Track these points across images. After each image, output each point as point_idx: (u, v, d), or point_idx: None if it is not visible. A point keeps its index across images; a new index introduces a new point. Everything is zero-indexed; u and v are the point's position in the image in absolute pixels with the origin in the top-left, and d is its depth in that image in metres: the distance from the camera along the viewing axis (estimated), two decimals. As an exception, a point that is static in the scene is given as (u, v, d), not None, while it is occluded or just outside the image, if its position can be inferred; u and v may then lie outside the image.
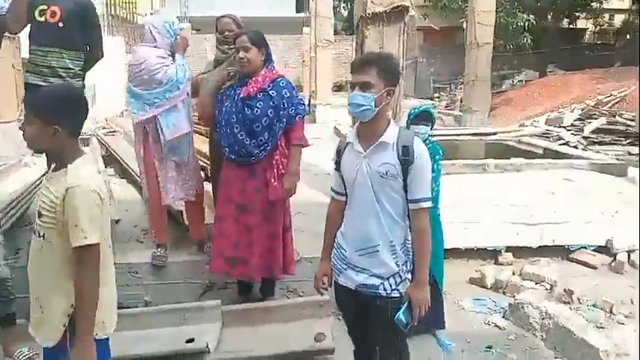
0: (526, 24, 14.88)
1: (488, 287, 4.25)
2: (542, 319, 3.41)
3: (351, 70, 2.23)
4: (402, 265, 2.21)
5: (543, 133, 11.74)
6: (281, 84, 3.17)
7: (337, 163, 2.32)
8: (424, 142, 2.53)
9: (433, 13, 21.00)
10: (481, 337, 3.55)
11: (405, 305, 2.14)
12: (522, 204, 4.70)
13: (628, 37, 20.50)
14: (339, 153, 2.31)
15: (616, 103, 13.06)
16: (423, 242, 2.18)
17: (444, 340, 3.39)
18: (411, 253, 2.23)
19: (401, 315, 2.11)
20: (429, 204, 2.17)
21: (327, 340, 2.97)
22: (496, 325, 3.68)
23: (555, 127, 12.08)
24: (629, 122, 11.37)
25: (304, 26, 16.66)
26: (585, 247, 4.72)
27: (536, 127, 11.80)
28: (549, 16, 20.08)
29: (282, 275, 3.41)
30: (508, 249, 4.69)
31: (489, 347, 3.40)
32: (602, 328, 3.57)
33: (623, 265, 4.45)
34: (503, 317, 3.75)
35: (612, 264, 4.53)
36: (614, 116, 11.62)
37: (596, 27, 24.18)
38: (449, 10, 18.39)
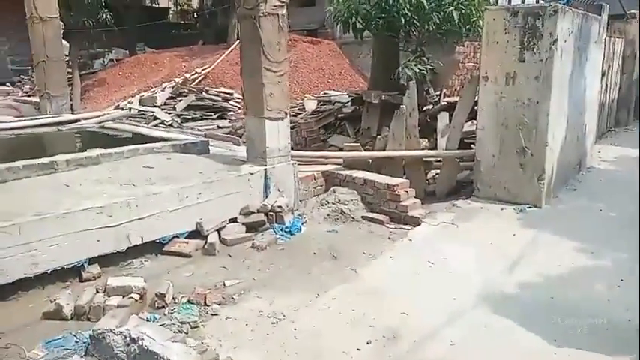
0: (103, -1, 14.05)
1: (69, 318, 3.40)
2: (127, 344, 2.83)
3: None
4: None
5: (139, 114, 11.36)
6: None
7: None
8: None
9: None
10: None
11: None
12: (99, 205, 3.98)
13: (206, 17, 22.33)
14: None
15: (201, 79, 13.89)
16: None
17: None
18: None
19: None
20: None
21: None
22: (77, 369, 2.91)
23: (150, 106, 11.88)
24: (214, 97, 12.20)
25: None
26: (177, 236, 4.45)
27: (130, 108, 11.28)
28: (129, -8, 19.69)
29: None
30: (92, 261, 3.94)
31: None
32: (196, 327, 3.29)
33: (214, 246, 4.38)
34: (85, 355, 2.99)
35: (205, 247, 4.41)
36: (201, 92, 12.27)
37: (177, 7, 25.37)
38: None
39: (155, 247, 4.33)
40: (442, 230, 4.98)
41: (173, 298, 3.62)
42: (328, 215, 5.26)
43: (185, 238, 4.47)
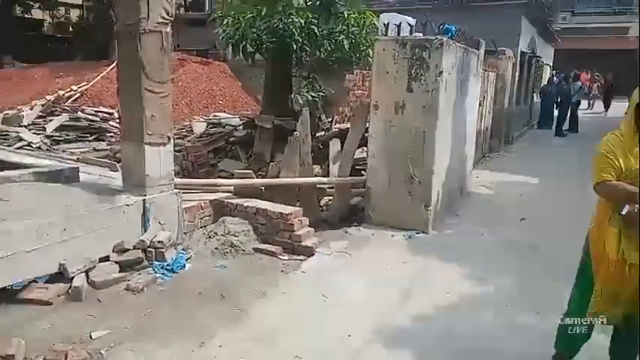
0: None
1: None
2: None
3: None
4: None
5: (1, 135, 10.07)
6: None
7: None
8: None
9: None
10: None
11: None
12: None
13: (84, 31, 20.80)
14: None
15: (78, 97, 12.74)
16: None
17: None
18: None
19: None
20: None
21: None
22: None
23: (15, 126, 10.60)
24: (91, 117, 11.20)
25: None
26: (36, 281, 3.80)
27: (-11, 127, 9.95)
28: (-2, 1, 17.79)
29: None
30: None
31: None
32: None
33: (80, 291, 3.79)
34: None
35: (69, 292, 3.80)
36: (77, 111, 11.22)
37: (53, 19, 23.41)
38: None
39: (6, 296, 3.65)
40: (336, 260, 4.84)
41: (24, 359, 3.02)
42: (217, 248, 4.88)
43: (45, 282, 3.83)
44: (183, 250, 4.71)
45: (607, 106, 20.81)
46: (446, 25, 5.69)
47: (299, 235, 5.02)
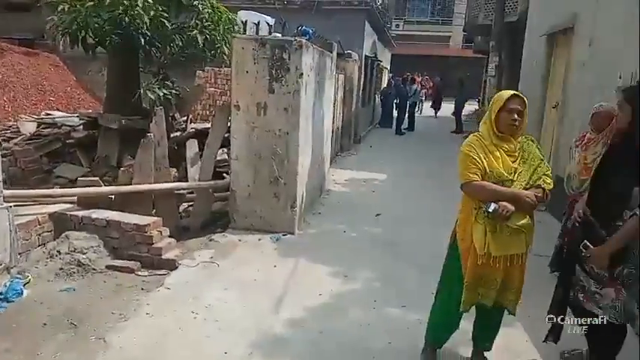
0: None
1: None
2: None
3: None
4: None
5: None
6: None
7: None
8: None
9: None
10: None
11: None
12: None
13: None
14: None
15: None
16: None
17: None
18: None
19: None
20: None
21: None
22: None
23: None
24: None
25: None
26: None
27: None
28: None
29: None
30: None
31: None
32: None
33: None
34: None
35: None
36: None
37: None
38: None
39: None
40: (202, 271, 4.56)
41: None
42: (61, 269, 4.25)
43: None
44: (18, 274, 4.02)
45: (437, 109, 22.12)
46: (304, 27, 5.73)
47: (159, 248, 4.63)
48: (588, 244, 2.66)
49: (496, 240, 2.71)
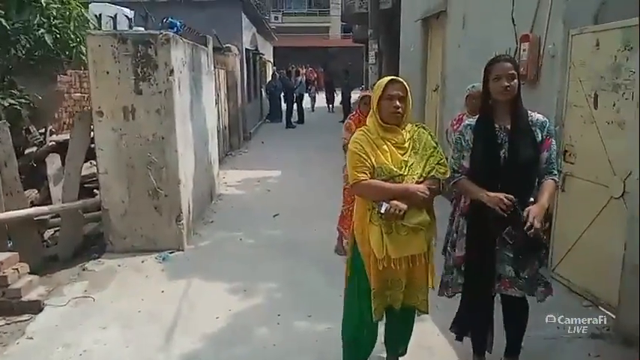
0: None
1: None
2: None
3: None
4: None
5: None
6: None
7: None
8: None
9: None
10: None
11: None
12: None
13: None
14: None
15: None
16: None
17: None
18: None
19: None
20: None
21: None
22: None
23: None
24: None
25: None
26: None
27: None
28: None
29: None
30: None
31: None
32: None
33: None
34: None
35: None
36: None
37: None
38: None
39: None
40: (75, 309, 3.87)
41: None
42: None
43: None
44: None
45: (331, 101, 21.10)
46: (170, 19, 5.13)
47: (17, 289, 3.86)
48: (512, 230, 2.49)
49: (393, 241, 2.46)
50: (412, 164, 2.51)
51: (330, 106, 20.82)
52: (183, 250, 5.03)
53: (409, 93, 2.55)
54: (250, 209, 6.71)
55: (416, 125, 2.65)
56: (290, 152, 11.18)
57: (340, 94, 17.76)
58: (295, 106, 16.93)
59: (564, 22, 4.11)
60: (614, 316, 3.43)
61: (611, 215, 3.62)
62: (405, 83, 2.55)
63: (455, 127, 4.13)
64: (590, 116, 3.82)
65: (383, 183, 2.46)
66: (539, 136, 2.56)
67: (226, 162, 10.01)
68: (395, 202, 2.41)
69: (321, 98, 21.80)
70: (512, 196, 2.43)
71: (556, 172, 2.62)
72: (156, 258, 4.82)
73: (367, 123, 2.62)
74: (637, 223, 3.10)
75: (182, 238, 5.04)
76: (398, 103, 2.48)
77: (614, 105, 3.57)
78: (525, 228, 2.38)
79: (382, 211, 2.42)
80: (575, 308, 3.73)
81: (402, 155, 2.51)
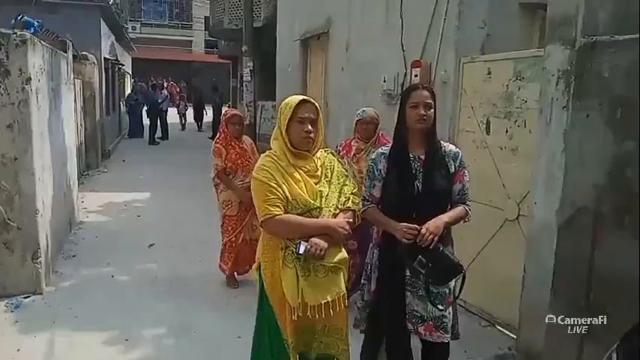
0: None
1: None
2: None
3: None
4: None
5: None
6: None
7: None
8: None
9: None
10: None
11: None
12: None
13: None
14: None
15: None
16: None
17: None
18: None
19: None
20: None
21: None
22: None
23: None
24: None
25: None
26: None
27: None
28: None
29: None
30: None
31: None
32: None
33: None
34: None
35: None
36: None
37: None
38: None
39: None
40: None
41: None
42: None
43: None
44: None
45: (200, 120, 19.48)
46: (25, 17, 4.29)
47: None
48: (422, 258, 2.35)
49: (312, 285, 2.17)
50: (327, 195, 2.27)
51: (199, 123, 19.50)
52: (41, 294, 4.15)
53: (320, 115, 2.32)
54: (119, 239, 5.90)
55: (325, 151, 2.42)
56: (157, 171, 10.31)
57: (212, 112, 17.09)
58: (159, 121, 15.85)
59: (456, 49, 4.27)
60: (514, 336, 3.55)
61: (506, 237, 3.78)
62: (316, 105, 2.31)
63: (342, 152, 3.92)
64: (482, 142, 3.98)
65: (301, 218, 2.17)
66: (452, 167, 2.51)
67: (84, 183, 8.82)
68: (315, 240, 2.14)
69: (189, 114, 20.48)
70: (416, 225, 2.32)
71: (469, 203, 2.58)
72: (6, 306, 3.89)
73: (273, 147, 2.31)
74: (536, 245, 3.24)
75: (40, 279, 4.16)
76: (310, 127, 2.23)
77: (506, 131, 3.75)
78: (417, 240, 2.27)
79: (301, 251, 2.12)
80: (475, 328, 3.81)
81: (316, 185, 2.26)
